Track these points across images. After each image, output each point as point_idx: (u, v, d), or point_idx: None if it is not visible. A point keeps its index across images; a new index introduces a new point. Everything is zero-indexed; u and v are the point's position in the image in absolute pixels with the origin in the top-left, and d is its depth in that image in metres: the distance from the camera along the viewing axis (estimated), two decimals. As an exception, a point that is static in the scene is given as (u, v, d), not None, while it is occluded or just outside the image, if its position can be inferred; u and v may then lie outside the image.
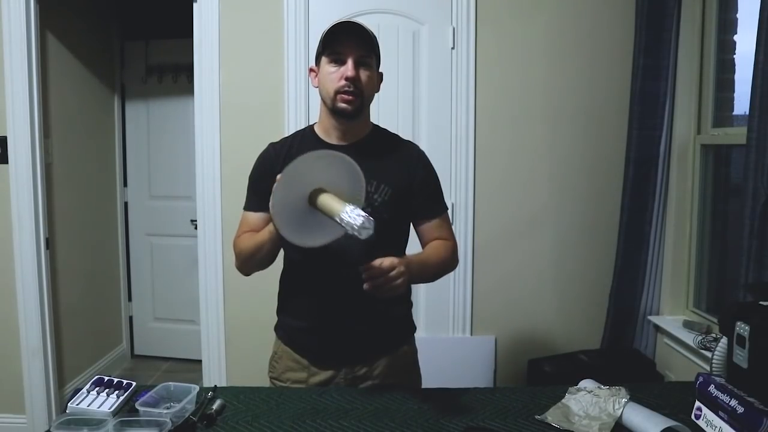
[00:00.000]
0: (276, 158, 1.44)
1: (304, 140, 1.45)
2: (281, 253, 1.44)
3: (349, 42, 1.35)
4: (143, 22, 3.70)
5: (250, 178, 1.48)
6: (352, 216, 1.10)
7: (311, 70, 1.44)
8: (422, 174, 1.46)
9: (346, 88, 1.34)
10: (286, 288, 1.53)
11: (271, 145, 1.49)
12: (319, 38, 1.39)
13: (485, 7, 2.59)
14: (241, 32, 2.63)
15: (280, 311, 1.56)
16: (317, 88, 1.42)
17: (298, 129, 1.57)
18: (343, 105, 1.35)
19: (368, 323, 1.44)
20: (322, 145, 1.42)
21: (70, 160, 3.12)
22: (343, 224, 1.11)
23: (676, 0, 2.40)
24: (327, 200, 1.17)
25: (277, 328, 1.56)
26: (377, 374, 1.48)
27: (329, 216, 1.15)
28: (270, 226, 1.29)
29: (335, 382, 1.47)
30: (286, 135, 1.56)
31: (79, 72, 3.25)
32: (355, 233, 1.10)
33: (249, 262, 1.41)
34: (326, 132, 1.44)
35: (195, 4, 2.63)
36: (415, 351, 1.59)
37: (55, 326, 2.80)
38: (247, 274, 1.45)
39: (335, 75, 1.35)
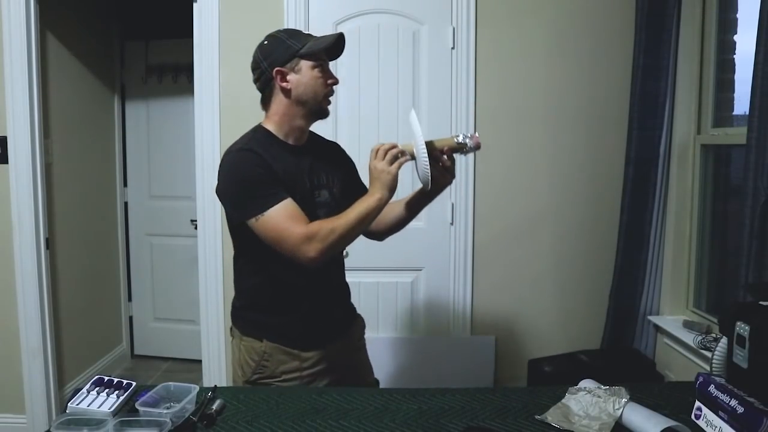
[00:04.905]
0: (265, 157, 1.43)
1: (268, 142, 1.47)
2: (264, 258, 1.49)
3: (337, 54, 1.51)
4: (143, 22, 3.70)
5: (257, 177, 1.40)
6: (465, 135, 1.47)
7: (279, 71, 1.45)
8: (351, 164, 1.69)
9: (331, 93, 1.50)
10: (269, 290, 1.52)
11: (249, 148, 1.44)
12: (292, 42, 1.46)
13: (485, 7, 2.59)
14: (241, 32, 2.63)
15: (264, 313, 1.54)
16: (287, 90, 1.46)
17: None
18: (328, 107, 1.50)
19: (341, 297, 1.66)
20: (285, 147, 1.49)
21: (70, 160, 3.12)
22: (465, 144, 1.46)
23: (676, 0, 2.40)
24: (441, 141, 1.47)
25: (260, 330, 1.53)
26: (353, 336, 1.67)
27: (449, 149, 1.47)
28: (377, 199, 1.38)
29: (327, 360, 1.55)
30: None
31: (79, 72, 3.25)
32: (477, 143, 1.47)
33: (352, 238, 1.42)
34: (286, 134, 1.50)
35: (195, 4, 2.63)
36: None
37: (55, 326, 2.80)
38: (328, 258, 1.40)
39: (322, 80, 1.47)
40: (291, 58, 1.45)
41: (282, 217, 1.37)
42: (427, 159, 1.38)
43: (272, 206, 1.37)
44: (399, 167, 1.39)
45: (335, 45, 1.47)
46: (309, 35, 1.49)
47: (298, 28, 1.59)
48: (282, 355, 1.51)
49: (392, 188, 1.39)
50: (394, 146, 1.40)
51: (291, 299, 1.51)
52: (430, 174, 1.41)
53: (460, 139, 1.45)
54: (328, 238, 1.36)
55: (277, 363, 1.51)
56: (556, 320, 2.70)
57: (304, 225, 1.37)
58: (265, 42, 1.50)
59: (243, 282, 1.58)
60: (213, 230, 2.67)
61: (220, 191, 1.47)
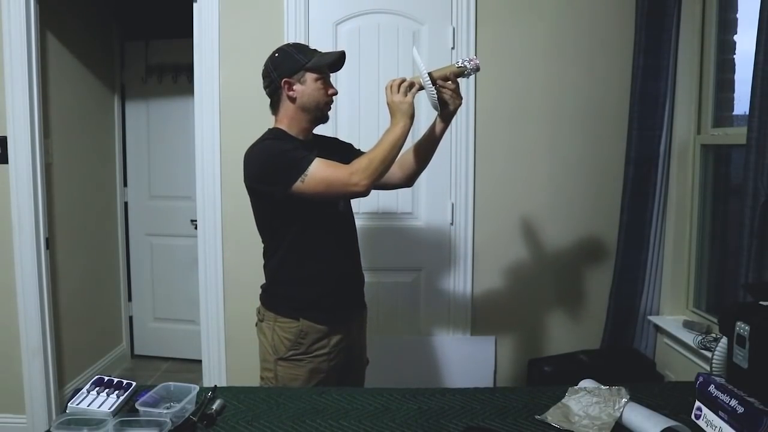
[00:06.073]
0: (288, 141, 1.65)
1: (285, 137, 1.68)
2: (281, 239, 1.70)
3: (338, 68, 1.71)
4: (143, 22, 3.70)
5: (290, 148, 1.59)
6: (464, 60, 1.65)
7: (287, 81, 1.64)
8: (351, 146, 1.89)
9: (331, 101, 1.70)
10: (300, 266, 1.69)
11: (273, 137, 1.67)
12: (300, 57, 1.64)
13: (485, 7, 2.59)
14: (241, 32, 2.63)
15: (301, 287, 1.69)
16: (293, 98, 1.65)
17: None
18: (328, 113, 1.72)
19: (360, 281, 1.84)
20: (298, 141, 1.69)
21: (70, 160, 3.12)
22: (465, 67, 1.63)
23: (676, 0, 2.40)
24: (441, 70, 1.64)
25: (297, 311, 1.67)
26: (364, 318, 1.89)
27: (452, 74, 1.63)
28: (401, 126, 1.57)
29: (347, 339, 1.74)
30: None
31: (79, 72, 3.25)
32: (476, 65, 1.65)
33: (389, 162, 1.58)
34: (297, 133, 1.71)
35: (195, 4, 2.63)
36: None
37: (55, 326, 2.80)
38: (375, 183, 1.56)
39: (323, 91, 1.67)
40: (298, 71, 1.64)
41: (323, 168, 1.55)
42: (433, 86, 1.60)
43: (310, 163, 1.55)
44: (413, 96, 1.60)
45: (337, 61, 1.68)
46: (314, 50, 1.69)
47: (303, 42, 1.85)
48: (315, 334, 1.68)
49: (411, 115, 1.59)
50: (404, 80, 1.61)
51: (320, 272, 1.69)
52: (437, 98, 1.62)
53: (460, 63, 1.64)
54: (369, 167, 1.54)
55: (311, 341, 1.67)
56: (556, 320, 2.70)
57: (343, 167, 1.57)
58: (276, 54, 1.68)
59: (275, 263, 1.72)
60: (213, 230, 2.67)
61: (254, 179, 1.62)
